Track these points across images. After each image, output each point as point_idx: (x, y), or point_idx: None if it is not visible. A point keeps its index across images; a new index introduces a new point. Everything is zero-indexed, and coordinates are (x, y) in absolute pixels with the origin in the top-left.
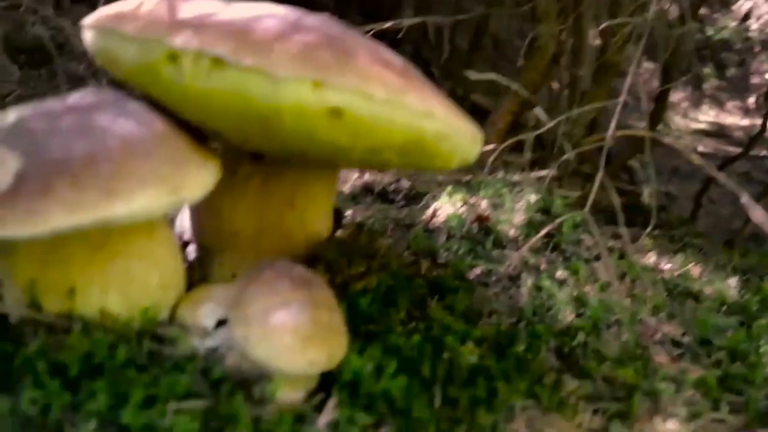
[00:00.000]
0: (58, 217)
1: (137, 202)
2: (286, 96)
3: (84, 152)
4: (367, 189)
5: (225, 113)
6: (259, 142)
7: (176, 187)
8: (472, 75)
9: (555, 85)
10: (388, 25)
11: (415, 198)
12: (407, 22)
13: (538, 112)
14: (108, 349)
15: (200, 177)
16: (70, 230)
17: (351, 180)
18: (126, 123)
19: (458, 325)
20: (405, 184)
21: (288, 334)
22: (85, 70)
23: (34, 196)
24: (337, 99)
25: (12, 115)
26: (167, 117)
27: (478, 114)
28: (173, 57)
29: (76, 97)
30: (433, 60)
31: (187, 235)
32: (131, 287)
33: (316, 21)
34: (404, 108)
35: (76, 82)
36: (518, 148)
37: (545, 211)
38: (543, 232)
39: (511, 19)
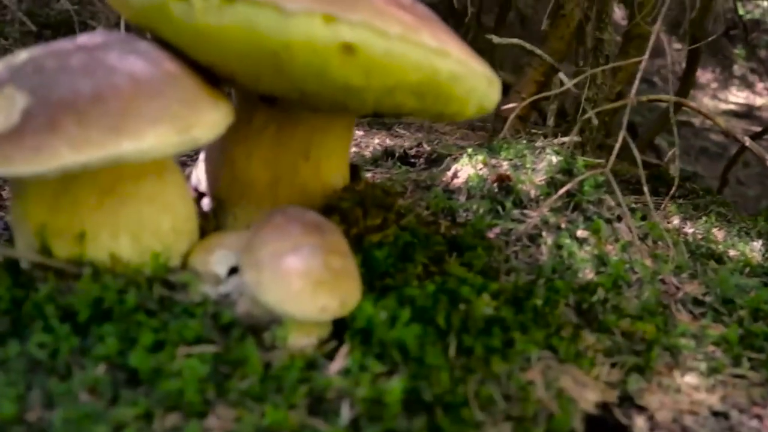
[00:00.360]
0: (64, 154)
1: (146, 140)
2: (297, 31)
3: (91, 90)
4: (388, 153)
5: (236, 51)
6: (271, 82)
7: (187, 125)
8: (496, 39)
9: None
10: None
11: (436, 161)
12: None
13: (561, 76)
14: (117, 294)
15: (211, 117)
16: (78, 168)
17: (372, 145)
18: (135, 61)
19: (475, 279)
20: (426, 148)
21: (299, 279)
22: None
23: (40, 134)
24: (350, 34)
25: (23, 54)
26: (178, 58)
27: (504, 90)
28: None
29: (87, 37)
30: (459, 33)
31: (202, 186)
32: (142, 232)
33: None
34: (418, 45)
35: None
36: (542, 119)
37: (567, 171)
38: (563, 190)
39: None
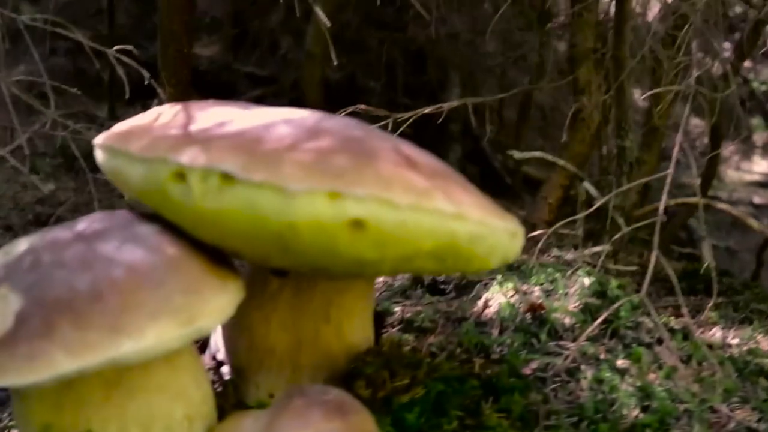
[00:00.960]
0: (61, 360)
1: (147, 338)
2: (301, 211)
3: (88, 286)
4: (416, 281)
5: (240, 233)
6: (280, 260)
7: (190, 317)
8: (517, 155)
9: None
10: (429, 109)
11: (465, 288)
12: (448, 105)
13: (587, 187)
14: None
15: (218, 303)
16: (75, 374)
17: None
18: (134, 250)
19: None
20: (455, 274)
21: None
22: None
23: (35, 339)
24: (357, 210)
25: (22, 245)
26: (181, 239)
27: (531, 185)
28: (180, 175)
29: (85, 223)
30: (482, 135)
31: (221, 354)
32: (153, 424)
33: (337, 123)
34: (431, 212)
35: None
36: (569, 215)
37: (601, 294)
38: (599, 320)
39: (555, 89)
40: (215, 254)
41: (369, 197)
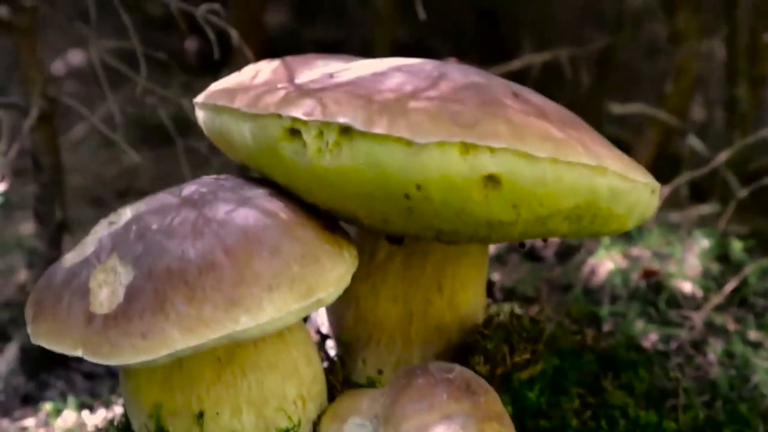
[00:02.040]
0: (176, 338)
1: (266, 312)
2: (430, 166)
3: (200, 256)
4: (512, 247)
5: (360, 194)
6: (401, 225)
7: (310, 288)
8: (616, 108)
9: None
10: (515, 65)
11: (567, 253)
12: (519, 63)
13: (693, 141)
14: None
15: (336, 272)
16: (191, 352)
17: None
18: (247, 215)
19: (648, 416)
20: (554, 238)
21: None
22: (207, 149)
23: (147, 315)
24: (492, 164)
25: (127, 213)
26: (293, 203)
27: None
28: (293, 132)
29: (192, 188)
30: (561, 96)
31: (325, 328)
32: (266, 405)
33: (454, 68)
34: (573, 166)
35: (198, 162)
36: (664, 175)
37: (722, 257)
38: (728, 288)
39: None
40: (328, 220)
41: (505, 150)
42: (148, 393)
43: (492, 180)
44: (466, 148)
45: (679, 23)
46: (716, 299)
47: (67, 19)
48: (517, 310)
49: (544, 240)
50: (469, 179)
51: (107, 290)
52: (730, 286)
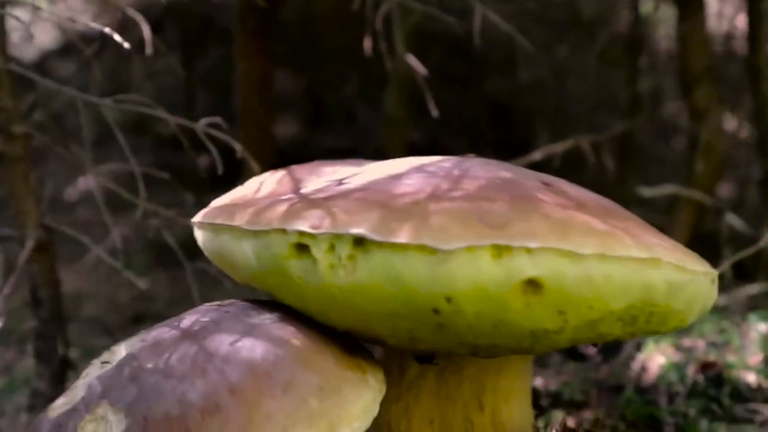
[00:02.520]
0: None
1: None
2: (460, 276)
3: (203, 398)
4: None
5: (381, 313)
6: (432, 341)
7: (332, 425)
8: (646, 192)
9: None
10: (535, 157)
11: (612, 348)
12: (538, 154)
13: (732, 219)
14: None
15: (361, 403)
16: None
17: None
18: (254, 345)
19: None
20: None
21: None
22: (218, 270)
23: None
24: (531, 267)
25: (121, 350)
26: (307, 326)
27: None
28: (302, 247)
29: (191, 318)
30: (583, 185)
31: None
32: None
33: (476, 164)
34: (622, 261)
35: (210, 283)
36: (704, 258)
37: None
38: None
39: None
40: (348, 341)
41: (544, 249)
42: None
43: (532, 285)
44: (499, 251)
45: (698, 101)
46: None
47: (63, 145)
48: (570, 423)
49: (594, 344)
50: (506, 286)
51: None
52: None
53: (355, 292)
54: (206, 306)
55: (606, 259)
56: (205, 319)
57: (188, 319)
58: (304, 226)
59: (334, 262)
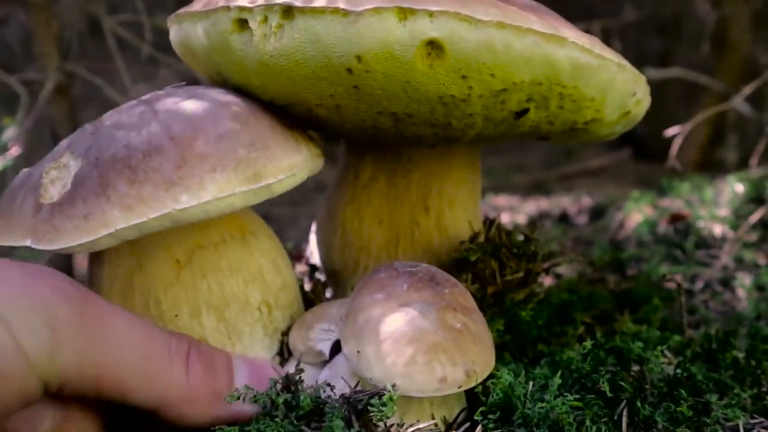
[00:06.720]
0: (116, 217)
1: (207, 192)
2: (368, 36)
3: (145, 142)
4: (543, 215)
5: (305, 76)
6: (354, 108)
7: (257, 173)
8: (654, 73)
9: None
10: None
11: (599, 215)
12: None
13: (739, 104)
14: None
15: (288, 160)
16: (133, 233)
17: (526, 210)
18: (197, 105)
19: (650, 332)
20: (587, 201)
21: (407, 345)
22: None
23: (90, 199)
24: (432, 28)
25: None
26: (249, 100)
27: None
28: (242, 22)
29: (153, 93)
30: None
31: (315, 258)
32: (227, 308)
33: None
34: (522, 31)
35: None
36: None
37: (757, 200)
38: (756, 217)
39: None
40: (288, 120)
41: (444, 13)
42: (110, 296)
43: (435, 47)
44: (404, 13)
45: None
46: (746, 235)
47: None
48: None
49: (543, 138)
50: (410, 47)
51: (59, 184)
52: (758, 217)
53: (283, 57)
54: (168, 87)
55: (504, 27)
56: (161, 92)
57: (150, 94)
58: (243, 2)
59: (266, 31)
